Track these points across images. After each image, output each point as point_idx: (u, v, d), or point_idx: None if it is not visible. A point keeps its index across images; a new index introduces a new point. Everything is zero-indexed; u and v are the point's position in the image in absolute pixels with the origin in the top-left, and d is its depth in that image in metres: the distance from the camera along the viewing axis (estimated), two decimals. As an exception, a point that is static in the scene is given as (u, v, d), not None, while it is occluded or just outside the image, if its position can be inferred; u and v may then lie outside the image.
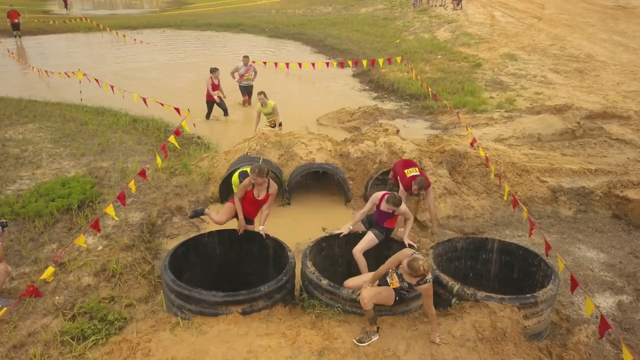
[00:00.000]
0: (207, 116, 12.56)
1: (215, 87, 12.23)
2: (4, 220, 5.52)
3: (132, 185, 7.02)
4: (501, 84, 15.82)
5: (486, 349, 4.68)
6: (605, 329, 4.81)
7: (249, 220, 6.16)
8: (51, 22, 29.63)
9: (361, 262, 5.79)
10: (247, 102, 13.67)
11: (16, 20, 24.07)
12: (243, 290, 4.96)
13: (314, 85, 16.84)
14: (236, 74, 13.26)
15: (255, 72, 13.52)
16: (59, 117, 11.66)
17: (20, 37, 24.39)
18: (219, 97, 12.22)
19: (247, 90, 13.55)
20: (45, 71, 16.12)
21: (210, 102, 12.40)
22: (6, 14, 24.23)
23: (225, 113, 12.51)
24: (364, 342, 4.61)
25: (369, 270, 5.64)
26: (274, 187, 5.99)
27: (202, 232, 6.71)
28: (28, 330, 5.04)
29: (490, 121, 12.33)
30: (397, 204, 5.75)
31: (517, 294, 5.10)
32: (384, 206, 5.86)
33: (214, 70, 12.23)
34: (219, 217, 6.15)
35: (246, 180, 5.88)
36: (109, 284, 5.83)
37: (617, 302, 6.04)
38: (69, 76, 14.21)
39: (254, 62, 13.90)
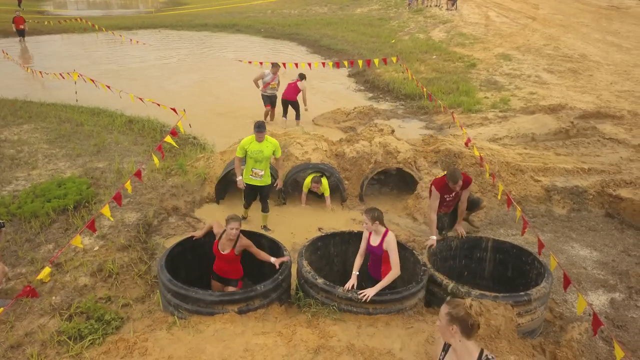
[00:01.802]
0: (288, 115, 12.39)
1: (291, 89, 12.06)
2: (0, 221, 5.54)
3: (128, 185, 7.05)
4: (496, 84, 15.92)
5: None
6: (597, 326, 4.87)
7: (223, 279, 5.50)
8: (46, 23, 29.52)
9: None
10: (271, 114, 12.57)
11: (22, 27, 23.39)
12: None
13: (310, 85, 16.86)
14: (260, 82, 12.05)
15: (279, 81, 12.35)
16: (54, 118, 11.65)
17: (24, 41, 23.84)
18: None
19: (270, 100, 12.33)
20: (40, 72, 16.09)
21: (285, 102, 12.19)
22: (11, 20, 23.60)
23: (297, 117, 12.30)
24: None
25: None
26: (244, 242, 5.34)
27: (199, 232, 6.74)
28: (25, 330, 5.05)
29: (485, 121, 12.41)
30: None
31: (511, 292, 5.15)
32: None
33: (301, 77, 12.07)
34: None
35: (214, 228, 5.45)
36: (106, 284, 5.84)
37: (610, 300, 6.10)
38: (63, 77, 14.19)
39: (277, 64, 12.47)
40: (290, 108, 12.30)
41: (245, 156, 7.00)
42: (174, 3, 50.74)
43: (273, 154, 7.00)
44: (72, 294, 5.62)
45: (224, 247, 5.30)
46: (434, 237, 6.03)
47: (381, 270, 5.13)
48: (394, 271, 4.97)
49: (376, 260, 5.20)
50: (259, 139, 6.82)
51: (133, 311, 5.38)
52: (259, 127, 6.75)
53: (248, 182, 7.11)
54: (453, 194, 6.19)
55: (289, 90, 12.07)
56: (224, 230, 5.31)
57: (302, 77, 12.08)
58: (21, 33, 23.63)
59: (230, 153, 8.93)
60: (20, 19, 23.51)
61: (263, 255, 5.42)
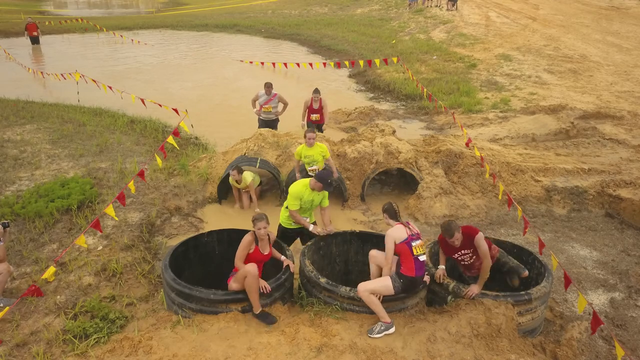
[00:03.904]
0: None
1: (313, 110, 10.12)
2: (5, 221, 5.59)
3: (131, 185, 7.09)
4: (496, 84, 15.96)
5: (481, 345, 4.77)
6: (597, 325, 4.91)
7: None
8: (47, 23, 29.56)
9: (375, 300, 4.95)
10: None
11: (35, 34, 23.00)
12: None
13: (311, 85, 16.90)
14: (257, 104, 10.40)
15: (285, 105, 10.40)
16: (56, 118, 11.70)
17: (39, 47, 23.47)
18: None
19: (266, 125, 10.27)
20: (41, 72, 16.14)
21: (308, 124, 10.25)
22: (24, 27, 23.30)
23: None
24: None
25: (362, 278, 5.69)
26: (273, 236, 5.50)
27: (202, 231, 6.79)
28: (30, 329, 5.11)
29: (486, 121, 12.45)
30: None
31: (512, 292, 5.19)
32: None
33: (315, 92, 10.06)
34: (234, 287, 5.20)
35: (248, 237, 5.17)
36: (110, 283, 5.90)
37: (610, 299, 6.15)
38: (65, 78, 14.24)
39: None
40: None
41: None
42: (174, 3, 50.83)
43: (320, 203, 6.11)
44: (77, 293, 5.67)
45: (264, 248, 5.31)
46: (442, 267, 5.50)
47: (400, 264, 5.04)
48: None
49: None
50: (317, 189, 5.83)
51: (137, 310, 5.43)
52: (327, 186, 5.77)
53: (288, 227, 6.09)
54: (461, 251, 5.34)
55: (320, 114, 10.23)
56: (254, 240, 5.22)
57: (318, 92, 10.15)
58: (35, 40, 23.17)
59: (232, 153, 8.98)
60: (33, 25, 23.08)
61: (277, 253, 5.54)
